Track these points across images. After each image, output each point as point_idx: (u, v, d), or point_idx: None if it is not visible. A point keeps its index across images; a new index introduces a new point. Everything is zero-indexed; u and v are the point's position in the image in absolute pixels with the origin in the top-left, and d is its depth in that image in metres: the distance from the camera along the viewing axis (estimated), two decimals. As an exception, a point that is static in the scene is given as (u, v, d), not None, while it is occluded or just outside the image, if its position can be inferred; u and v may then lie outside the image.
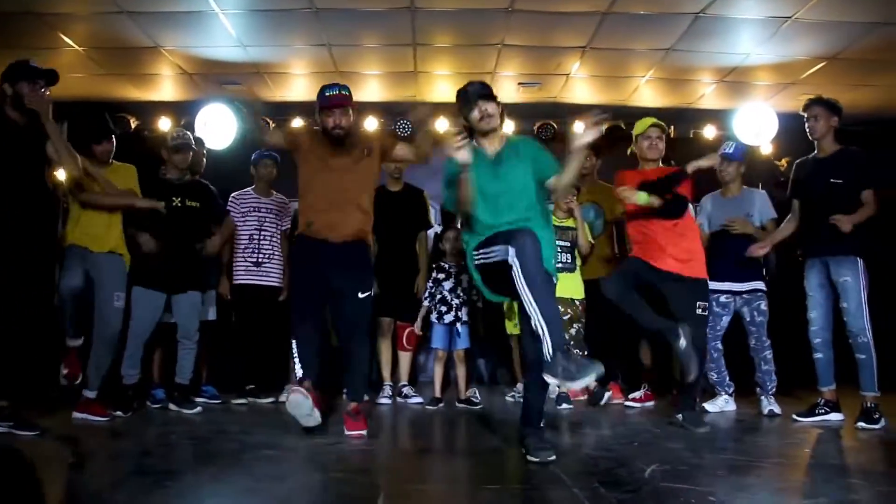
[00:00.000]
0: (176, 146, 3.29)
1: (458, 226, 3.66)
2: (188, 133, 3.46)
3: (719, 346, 3.32)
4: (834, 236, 2.84)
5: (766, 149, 4.79)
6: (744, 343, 3.34)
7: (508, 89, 4.63)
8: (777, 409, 3.16)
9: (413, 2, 3.45)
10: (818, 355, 2.99)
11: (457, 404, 3.51)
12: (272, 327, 3.65)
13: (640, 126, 2.98)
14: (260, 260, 3.65)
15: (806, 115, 2.99)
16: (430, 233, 3.98)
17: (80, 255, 2.89)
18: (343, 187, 2.59)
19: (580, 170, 2.14)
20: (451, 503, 1.79)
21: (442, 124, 4.77)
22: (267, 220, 3.71)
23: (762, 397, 3.24)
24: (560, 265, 3.52)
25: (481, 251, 2.13)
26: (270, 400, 3.55)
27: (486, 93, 2.19)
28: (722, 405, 3.30)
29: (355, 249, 2.63)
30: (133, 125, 4.73)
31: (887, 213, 2.99)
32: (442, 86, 4.58)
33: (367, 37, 3.94)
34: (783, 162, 4.51)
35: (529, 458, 2.08)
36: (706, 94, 4.66)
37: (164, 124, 4.64)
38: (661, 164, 3.00)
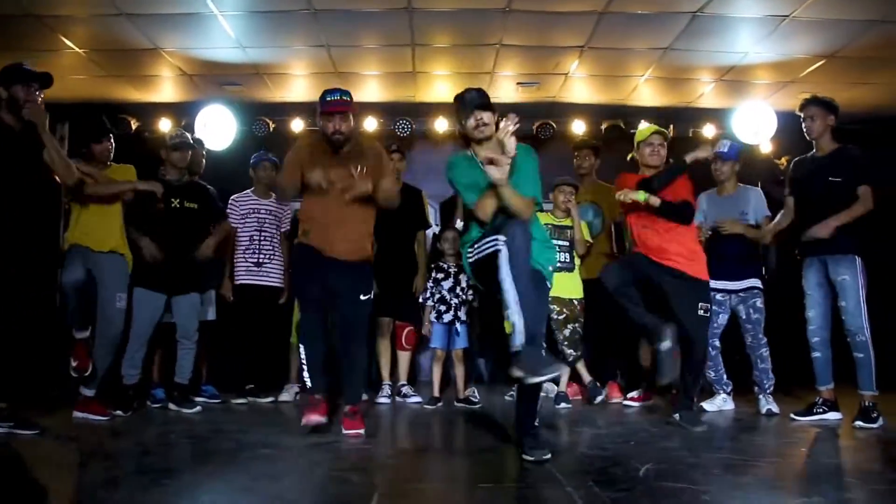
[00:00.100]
0: (174, 144, 3.31)
1: (457, 226, 3.68)
2: (186, 133, 3.48)
3: (717, 343, 3.32)
4: (832, 235, 2.83)
5: (766, 147, 4.79)
6: (742, 342, 3.34)
7: (507, 89, 4.64)
8: (775, 409, 3.16)
9: (410, 2, 3.46)
10: (816, 354, 2.98)
11: (455, 404, 3.53)
12: (272, 327, 3.68)
13: (643, 133, 2.98)
14: (261, 260, 3.67)
15: (802, 116, 2.99)
16: (429, 233, 3.98)
17: (81, 254, 2.91)
18: (336, 206, 2.58)
19: (515, 200, 2.11)
20: (446, 501, 1.80)
21: (441, 124, 4.80)
22: (267, 221, 3.73)
23: (760, 396, 3.24)
24: (559, 264, 3.52)
25: (475, 247, 2.16)
26: (270, 399, 3.57)
27: (483, 102, 2.22)
28: (720, 404, 3.30)
29: (355, 265, 2.64)
30: (133, 126, 4.75)
31: (886, 212, 2.98)
32: (441, 86, 4.59)
33: (366, 37, 3.95)
34: (783, 160, 4.50)
35: (524, 456, 2.09)
36: (705, 93, 4.66)
37: (165, 125, 4.67)
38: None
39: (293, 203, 3.36)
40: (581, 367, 3.54)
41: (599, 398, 3.49)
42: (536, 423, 2.20)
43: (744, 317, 3.28)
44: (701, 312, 2.81)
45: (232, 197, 3.74)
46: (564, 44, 3.96)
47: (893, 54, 3.89)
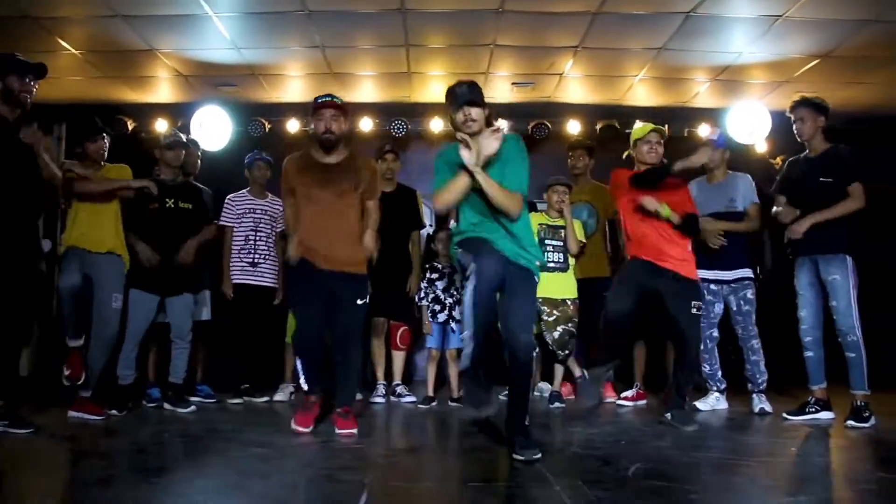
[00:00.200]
0: (168, 144, 3.32)
1: (451, 227, 3.69)
2: (180, 133, 3.49)
3: (715, 334, 3.32)
4: (823, 234, 2.84)
5: (761, 147, 4.79)
6: (736, 340, 3.33)
7: (502, 89, 4.65)
8: (768, 408, 3.17)
9: (403, 3, 3.47)
10: (808, 354, 2.99)
11: (450, 403, 3.53)
12: (267, 327, 3.69)
13: (640, 131, 2.98)
14: (256, 260, 3.68)
15: (793, 118, 3.00)
16: (423, 233, 3.99)
17: (78, 256, 2.92)
18: (329, 219, 2.61)
19: (495, 192, 2.16)
20: (434, 500, 1.81)
21: (436, 124, 4.81)
22: (262, 221, 3.74)
23: (753, 395, 3.24)
24: (552, 265, 3.53)
25: (460, 250, 2.22)
26: (265, 399, 3.58)
27: (472, 98, 2.23)
28: (713, 403, 3.31)
29: (350, 273, 2.65)
30: (130, 127, 4.77)
31: (880, 210, 2.99)
32: (436, 86, 4.60)
33: (361, 38, 3.96)
34: (778, 160, 4.51)
35: (515, 456, 2.11)
36: (700, 93, 4.67)
37: (161, 126, 4.68)
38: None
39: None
40: (572, 363, 3.55)
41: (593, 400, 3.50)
42: (527, 423, 2.21)
43: (734, 308, 3.29)
44: (694, 311, 2.82)
45: (228, 196, 3.75)
46: (558, 44, 3.97)
47: (887, 54, 3.90)
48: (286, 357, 3.74)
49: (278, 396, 3.66)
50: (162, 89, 4.64)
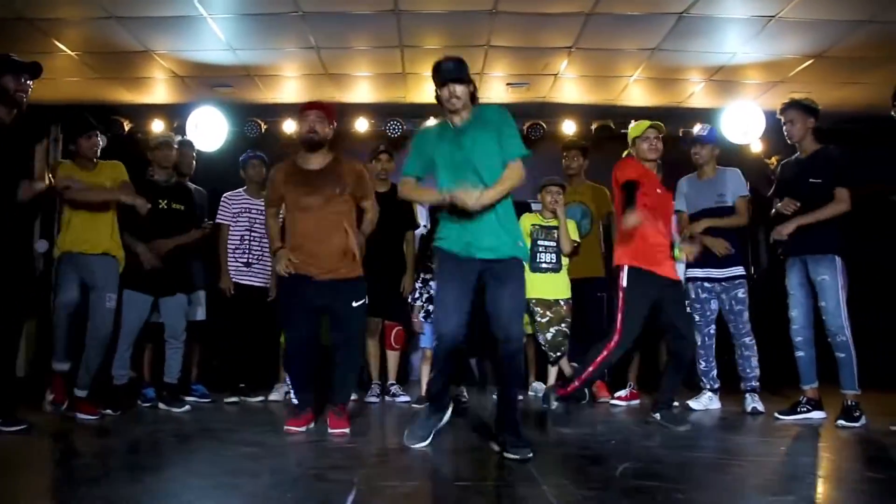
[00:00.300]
0: (157, 143, 3.33)
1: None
2: (172, 134, 3.50)
3: (712, 330, 3.33)
4: (812, 235, 2.86)
5: (756, 147, 4.80)
6: (731, 341, 3.34)
7: (497, 90, 4.66)
8: (760, 407, 3.18)
9: (397, 4, 3.48)
10: (800, 354, 3.00)
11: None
12: (261, 327, 3.70)
13: (638, 128, 2.96)
14: (250, 261, 3.70)
15: (783, 119, 3.01)
16: (418, 233, 4.00)
17: (73, 262, 2.90)
18: (317, 225, 2.61)
19: (506, 186, 2.21)
20: (420, 499, 1.82)
21: (432, 123, 4.81)
22: (258, 221, 3.75)
23: (746, 395, 3.25)
24: (545, 265, 3.55)
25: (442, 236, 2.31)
26: (259, 399, 3.60)
27: (457, 76, 2.25)
28: (706, 403, 3.32)
29: (344, 280, 2.65)
30: (126, 128, 4.79)
31: (870, 211, 3.00)
32: (431, 87, 4.56)
33: (355, 39, 3.97)
34: (773, 160, 4.51)
35: (506, 455, 2.12)
36: (695, 93, 4.68)
37: (157, 126, 4.70)
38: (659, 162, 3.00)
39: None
40: (564, 363, 3.56)
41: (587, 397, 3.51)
42: (518, 421, 2.22)
43: (727, 307, 3.30)
44: (688, 310, 2.84)
45: (225, 195, 3.75)
46: (553, 45, 3.99)
47: (881, 54, 3.90)
48: (281, 357, 3.75)
49: (273, 396, 3.67)
50: (158, 90, 4.66)
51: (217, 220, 3.68)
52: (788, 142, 3.05)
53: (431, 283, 3.62)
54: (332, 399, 2.69)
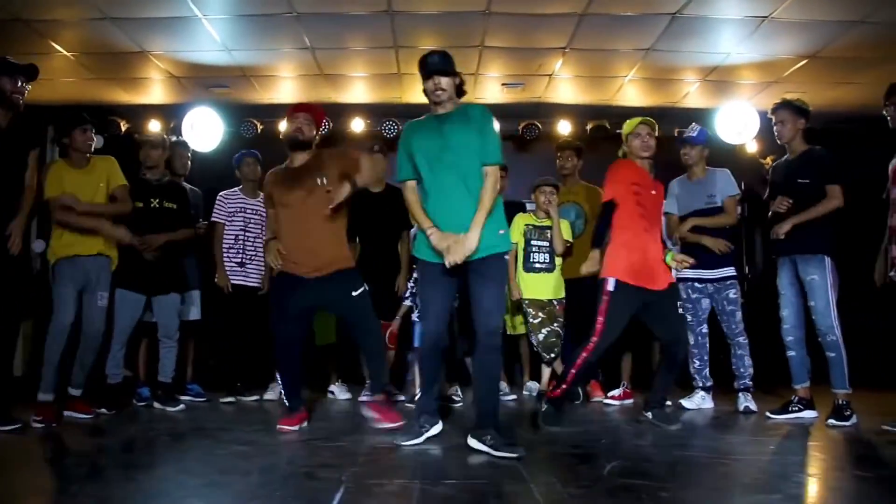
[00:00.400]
0: (142, 141, 3.36)
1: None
2: (163, 134, 3.52)
3: (705, 329, 3.33)
4: (801, 235, 2.87)
5: (751, 147, 4.81)
6: (724, 342, 3.35)
7: (492, 90, 4.67)
8: (753, 406, 3.19)
9: (391, 5, 3.49)
10: (791, 353, 3.01)
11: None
12: (256, 327, 3.71)
13: (630, 125, 2.95)
14: (244, 260, 3.71)
15: (774, 120, 3.02)
16: (412, 232, 4.01)
17: (69, 272, 2.85)
18: (302, 220, 2.62)
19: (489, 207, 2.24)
20: (407, 497, 1.84)
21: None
22: (252, 221, 3.77)
23: (739, 394, 3.26)
24: (539, 265, 3.56)
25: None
26: (254, 398, 3.61)
27: (442, 68, 2.28)
28: (699, 402, 3.33)
29: (334, 274, 2.66)
30: (123, 128, 4.80)
31: (860, 210, 3.00)
32: (427, 87, 4.61)
33: (350, 40, 3.98)
34: (768, 160, 4.52)
35: (498, 454, 2.15)
36: (690, 93, 4.68)
37: (154, 127, 4.71)
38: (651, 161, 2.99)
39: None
40: (558, 364, 3.57)
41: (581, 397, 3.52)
42: (497, 415, 2.25)
43: (719, 308, 3.31)
44: (680, 311, 2.85)
45: (221, 193, 3.76)
46: (547, 45, 3.99)
47: (875, 54, 3.91)
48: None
49: (268, 395, 3.69)
50: (154, 91, 4.67)
51: (213, 219, 3.70)
52: (778, 142, 3.06)
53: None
54: (372, 389, 2.75)
